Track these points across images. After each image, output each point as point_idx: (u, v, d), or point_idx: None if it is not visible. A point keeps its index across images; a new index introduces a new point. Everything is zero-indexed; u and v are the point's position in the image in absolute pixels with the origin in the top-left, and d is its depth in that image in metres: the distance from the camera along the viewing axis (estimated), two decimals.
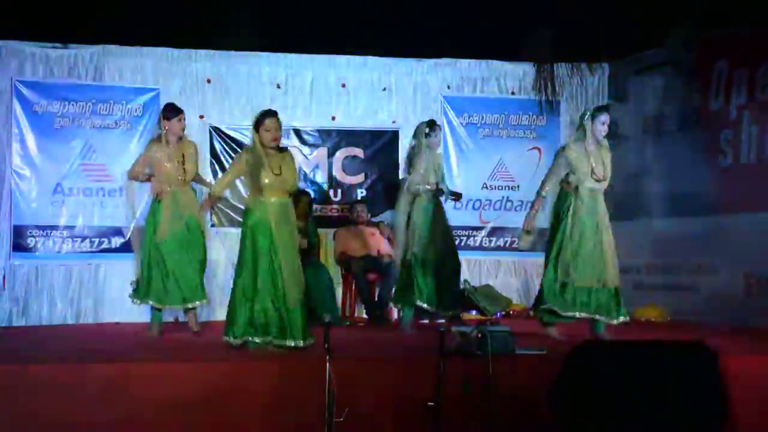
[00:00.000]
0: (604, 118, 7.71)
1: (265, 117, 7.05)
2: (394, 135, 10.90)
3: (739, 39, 9.57)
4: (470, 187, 10.73)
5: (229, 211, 10.38)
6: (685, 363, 4.42)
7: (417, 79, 10.98)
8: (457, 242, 9.60)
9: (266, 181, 6.95)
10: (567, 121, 11.24)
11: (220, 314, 9.25)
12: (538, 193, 7.91)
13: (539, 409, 5.46)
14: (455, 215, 10.07)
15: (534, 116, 11.15)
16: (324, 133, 10.78)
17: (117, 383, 5.58)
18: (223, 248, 10.16)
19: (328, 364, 5.38)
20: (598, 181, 7.68)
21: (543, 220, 8.28)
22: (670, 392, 4.27)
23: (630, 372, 4.30)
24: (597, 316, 7.69)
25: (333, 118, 10.76)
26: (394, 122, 10.90)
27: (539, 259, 8.88)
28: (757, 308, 9.02)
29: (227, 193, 10.02)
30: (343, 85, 10.75)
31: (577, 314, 7.68)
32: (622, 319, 7.74)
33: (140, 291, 8.30)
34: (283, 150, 7.21)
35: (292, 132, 10.64)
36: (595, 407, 4.28)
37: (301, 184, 10.57)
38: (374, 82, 10.86)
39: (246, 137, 10.38)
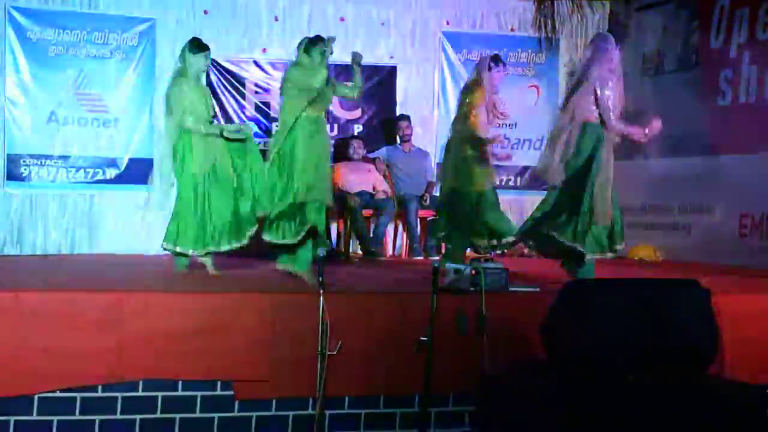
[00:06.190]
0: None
1: None
2: (391, 70, 10.84)
3: None
4: None
5: None
6: (678, 301, 4.43)
7: (416, 14, 10.87)
8: None
9: None
10: (566, 59, 11.18)
11: None
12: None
13: (531, 345, 5.47)
14: None
15: (533, 54, 11.08)
16: None
17: (110, 313, 5.57)
18: None
19: (321, 297, 5.41)
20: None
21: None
22: (662, 329, 4.28)
23: (622, 309, 4.31)
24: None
25: (331, 53, 10.65)
26: (391, 58, 10.82)
27: (536, 197, 8.80)
28: (752, 248, 9.04)
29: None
30: (342, 19, 10.64)
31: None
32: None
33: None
34: None
35: None
36: (587, 344, 4.29)
37: None
38: (372, 17, 10.76)
39: (244, 70, 10.31)
